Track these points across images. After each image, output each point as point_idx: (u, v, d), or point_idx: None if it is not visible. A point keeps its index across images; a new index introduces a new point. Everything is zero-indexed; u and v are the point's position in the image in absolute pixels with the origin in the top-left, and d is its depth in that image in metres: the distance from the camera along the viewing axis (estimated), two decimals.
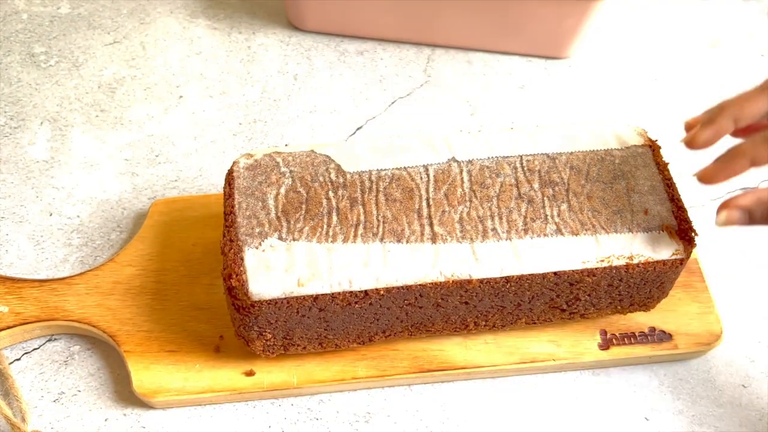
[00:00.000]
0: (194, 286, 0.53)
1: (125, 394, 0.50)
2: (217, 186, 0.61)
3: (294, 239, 0.44)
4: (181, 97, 0.67)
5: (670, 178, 0.47)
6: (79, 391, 0.50)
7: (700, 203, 0.60)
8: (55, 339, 0.53)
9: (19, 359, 0.52)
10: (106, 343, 0.52)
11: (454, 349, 0.51)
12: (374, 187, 0.47)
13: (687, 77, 0.69)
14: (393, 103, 0.67)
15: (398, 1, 0.67)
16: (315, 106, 0.66)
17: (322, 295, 0.43)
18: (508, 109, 0.66)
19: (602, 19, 0.66)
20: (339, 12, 0.69)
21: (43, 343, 0.53)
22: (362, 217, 0.45)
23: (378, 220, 0.45)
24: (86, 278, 0.53)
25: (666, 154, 0.51)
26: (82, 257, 0.57)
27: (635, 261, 0.44)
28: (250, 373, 0.49)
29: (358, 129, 0.65)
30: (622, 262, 0.44)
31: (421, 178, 0.47)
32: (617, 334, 0.51)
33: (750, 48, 0.72)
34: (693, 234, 0.45)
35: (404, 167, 0.48)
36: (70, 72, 0.68)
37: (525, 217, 0.46)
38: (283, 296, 0.43)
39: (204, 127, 0.65)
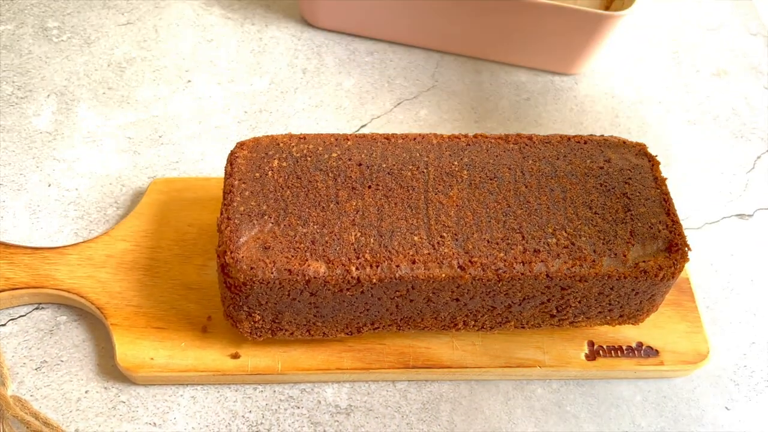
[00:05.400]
0: (186, 266, 0.53)
1: (108, 368, 0.50)
2: (217, 170, 0.61)
3: (291, 223, 0.45)
4: (189, 81, 0.67)
5: (667, 193, 0.48)
6: (62, 361, 0.50)
7: (696, 225, 0.61)
8: (43, 308, 0.53)
9: (4, 325, 0.52)
10: (93, 316, 0.52)
11: (441, 348, 0.50)
12: (374, 178, 0.47)
13: (691, 103, 0.70)
14: (399, 104, 0.67)
15: (411, 6, 0.67)
16: (321, 101, 0.67)
17: (315, 279, 0.43)
18: (513, 119, 0.67)
19: (612, 39, 0.67)
20: (352, 12, 0.70)
21: (30, 311, 0.52)
22: (360, 207, 0.46)
23: (375, 212, 0.45)
24: (79, 249, 0.53)
25: (664, 171, 0.52)
26: (77, 229, 0.57)
27: (627, 270, 0.45)
28: (235, 356, 0.49)
29: (362, 126, 0.65)
30: (614, 270, 0.45)
31: (422, 174, 0.48)
32: (604, 346, 0.51)
33: (754, 80, 0.73)
34: (686, 248, 0.45)
35: (405, 163, 0.48)
36: (81, 48, 0.69)
37: (520, 220, 0.46)
38: (276, 277, 0.43)
39: (209, 113, 0.65)
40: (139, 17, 0.72)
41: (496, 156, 0.49)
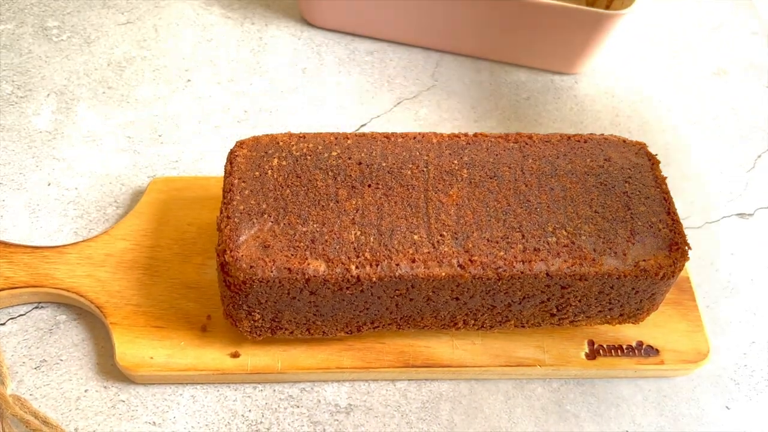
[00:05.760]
0: (186, 265, 0.53)
1: (107, 367, 0.50)
2: (217, 170, 0.61)
3: (290, 221, 0.45)
4: (189, 81, 0.67)
5: (667, 192, 0.48)
6: (62, 360, 0.50)
7: (697, 224, 0.61)
8: (42, 307, 0.52)
9: (4, 324, 0.51)
10: (92, 315, 0.52)
11: (441, 347, 0.50)
12: (374, 177, 0.47)
13: (691, 101, 0.70)
14: (399, 103, 0.67)
15: (411, 6, 0.67)
16: (321, 101, 0.67)
17: (314, 277, 0.43)
18: (513, 118, 0.67)
19: (612, 38, 0.67)
20: (352, 11, 0.70)
21: (30, 310, 0.52)
22: (360, 206, 0.46)
23: (375, 211, 0.45)
24: (79, 248, 0.53)
25: (664, 170, 0.52)
26: (77, 229, 0.57)
27: (628, 269, 0.45)
28: (235, 355, 0.49)
29: (362, 126, 0.65)
30: (614, 268, 0.45)
31: (422, 173, 0.48)
32: (605, 346, 0.51)
33: (755, 79, 0.73)
34: (686, 247, 0.45)
35: (405, 161, 0.48)
36: (81, 48, 0.69)
37: (520, 219, 0.46)
38: (275, 276, 0.43)
39: (209, 112, 0.65)
40: (139, 17, 0.72)
41: (496, 155, 0.49)
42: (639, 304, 0.48)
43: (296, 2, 0.74)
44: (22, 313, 0.52)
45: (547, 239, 0.45)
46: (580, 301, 0.47)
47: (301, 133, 0.50)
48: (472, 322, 0.48)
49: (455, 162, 0.48)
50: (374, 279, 0.43)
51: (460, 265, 0.44)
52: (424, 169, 0.48)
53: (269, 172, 0.47)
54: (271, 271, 0.43)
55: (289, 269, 0.43)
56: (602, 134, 0.52)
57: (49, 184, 0.59)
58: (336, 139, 0.49)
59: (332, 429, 0.48)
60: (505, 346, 0.51)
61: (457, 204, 0.46)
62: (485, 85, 0.69)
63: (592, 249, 0.45)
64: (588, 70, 0.71)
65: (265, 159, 0.47)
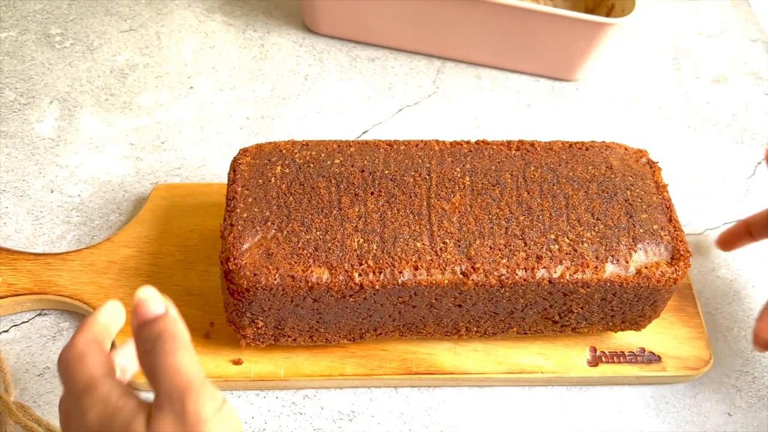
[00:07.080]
0: (189, 272, 0.53)
1: None
2: (219, 176, 0.61)
3: (294, 229, 0.45)
4: (191, 88, 0.67)
5: (668, 199, 0.48)
6: None
7: (698, 231, 0.61)
8: (46, 314, 0.53)
9: (7, 331, 0.52)
10: None
11: (443, 354, 0.51)
12: (377, 185, 0.47)
13: (691, 108, 0.70)
14: (400, 110, 0.68)
15: (412, 13, 0.68)
16: (323, 107, 0.67)
17: (317, 285, 0.43)
18: (513, 125, 0.67)
19: (612, 46, 0.67)
20: (353, 18, 0.70)
21: (33, 317, 0.52)
22: (363, 214, 0.46)
23: (378, 218, 0.46)
24: (82, 255, 0.53)
25: (665, 177, 0.52)
26: (80, 235, 0.57)
27: (630, 276, 0.45)
28: (237, 362, 0.49)
29: (363, 133, 0.66)
30: (616, 276, 0.45)
31: (424, 180, 0.48)
32: (606, 352, 0.51)
33: (754, 86, 0.73)
34: (688, 254, 0.45)
35: (408, 169, 0.48)
36: (84, 55, 0.69)
37: (523, 227, 0.46)
38: (279, 283, 0.43)
39: (211, 119, 0.65)
40: (142, 24, 0.72)
41: (499, 162, 0.49)
42: (641, 311, 0.48)
43: (298, 9, 0.74)
44: (25, 320, 0.52)
45: (550, 246, 0.45)
46: (582, 308, 0.47)
47: (303, 140, 0.50)
48: (475, 329, 0.49)
49: (457, 169, 0.49)
50: (377, 286, 0.44)
51: (462, 273, 0.44)
52: (427, 177, 0.48)
53: (272, 179, 0.47)
54: (275, 279, 0.43)
55: (292, 277, 0.43)
56: (604, 141, 0.52)
57: (52, 191, 0.59)
58: (339, 146, 0.49)
59: None
60: (507, 353, 0.51)
61: (459, 211, 0.47)
62: (486, 91, 0.70)
63: (594, 256, 0.45)
64: (589, 77, 0.72)
65: (268, 167, 0.48)
